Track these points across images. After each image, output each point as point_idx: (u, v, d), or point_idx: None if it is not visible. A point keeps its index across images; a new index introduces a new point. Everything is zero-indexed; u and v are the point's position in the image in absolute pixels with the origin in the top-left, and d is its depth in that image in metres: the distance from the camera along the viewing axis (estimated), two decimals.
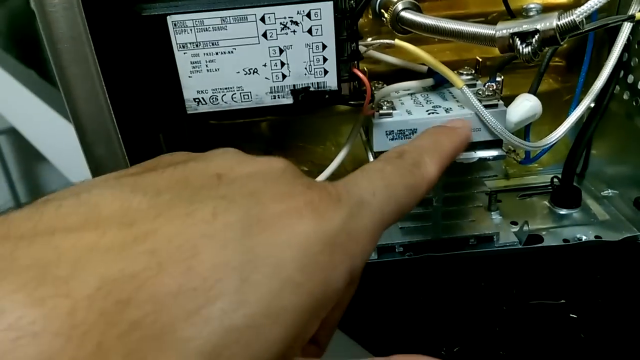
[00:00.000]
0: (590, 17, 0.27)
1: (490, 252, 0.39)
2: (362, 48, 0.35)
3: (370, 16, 0.38)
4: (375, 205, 0.18)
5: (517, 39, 0.26)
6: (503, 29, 0.27)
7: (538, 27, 0.25)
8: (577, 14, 0.25)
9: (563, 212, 0.43)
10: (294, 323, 0.14)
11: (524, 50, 0.26)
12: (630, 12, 0.36)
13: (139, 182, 0.16)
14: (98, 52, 0.26)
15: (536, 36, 0.26)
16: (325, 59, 0.30)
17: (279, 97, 0.30)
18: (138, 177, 0.16)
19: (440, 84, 0.38)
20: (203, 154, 0.19)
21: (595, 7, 0.26)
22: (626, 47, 0.39)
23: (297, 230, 0.15)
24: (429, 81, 0.38)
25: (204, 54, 0.28)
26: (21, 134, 0.82)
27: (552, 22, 0.25)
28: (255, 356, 0.13)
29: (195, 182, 0.16)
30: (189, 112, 0.29)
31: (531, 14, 0.26)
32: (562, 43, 0.26)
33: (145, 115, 0.30)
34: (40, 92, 0.76)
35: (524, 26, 0.26)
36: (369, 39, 0.40)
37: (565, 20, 0.25)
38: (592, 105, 0.41)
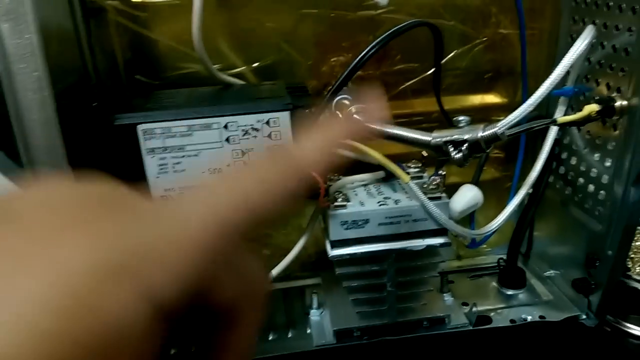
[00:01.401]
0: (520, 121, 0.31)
1: (442, 334, 0.41)
2: None
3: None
4: (193, 205, 0.15)
5: (450, 146, 0.30)
6: (437, 137, 0.30)
7: (466, 137, 0.29)
8: (499, 127, 0.29)
9: (510, 292, 0.46)
10: None
11: (456, 156, 0.30)
12: (555, 115, 0.41)
13: None
14: (70, 158, 0.28)
15: (465, 145, 0.29)
16: None
17: None
18: None
19: (391, 176, 0.41)
20: None
21: (515, 120, 0.30)
22: (557, 142, 0.44)
23: (49, 255, 0.13)
24: (381, 173, 0.41)
25: (171, 157, 0.31)
26: None
27: (478, 133, 0.29)
28: None
29: None
30: None
31: (461, 125, 0.30)
32: (487, 151, 0.30)
33: None
34: (9, 173, 0.76)
35: (455, 136, 0.30)
36: None
37: (488, 132, 0.29)
38: (531, 191, 0.45)
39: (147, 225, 0.14)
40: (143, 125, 0.30)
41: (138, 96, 0.34)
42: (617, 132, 0.37)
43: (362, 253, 0.37)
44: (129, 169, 0.31)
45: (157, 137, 0.30)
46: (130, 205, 0.15)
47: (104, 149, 0.30)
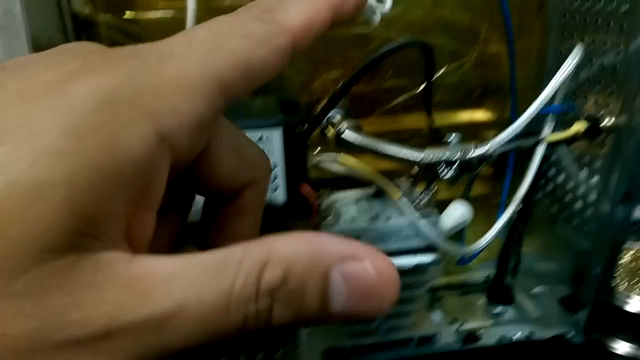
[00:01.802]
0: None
1: (431, 353, 0.41)
2: (311, 159, 0.39)
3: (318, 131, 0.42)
4: (190, 56, 0.15)
5: (441, 164, 0.30)
6: (429, 155, 0.31)
7: (457, 156, 0.29)
8: (490, 146, 0.29)
9: (498, 309, 0.46)
10: (70, 198, 0.12)
11: (447, 174, 0.30)
12: (543, 132, 0.41)
13: None
14: None
15: (456, 163, 0.30)
16: (275, 177, 0.33)
17: None
18: None
19: (381, 192, 0.41)
20: None
21: (506, 139, 0.30)
22: (545, 159, 0.44)
23: (62, 94, 0.13)
24: (371, 189, 0.41)
25: None
26: None
27: (469, 152, 0.29)
28: (26, 239, 0.12)
29: None
30: None
31: (452, 143, 0.30)
32: (479, 169, 0.30)
33: None
34: None
35: (446, 154, 0.30)
36: (317, 150, 0.44)
37: (479, 151, 0.29)
38: (520, 208, 0.45)
39: (153, 70, 0.15)
40: None
41: None
42: (604, 149, 0.38)
43: None
44: None
45: None
46: (135, 54, 0.15)
47: None
